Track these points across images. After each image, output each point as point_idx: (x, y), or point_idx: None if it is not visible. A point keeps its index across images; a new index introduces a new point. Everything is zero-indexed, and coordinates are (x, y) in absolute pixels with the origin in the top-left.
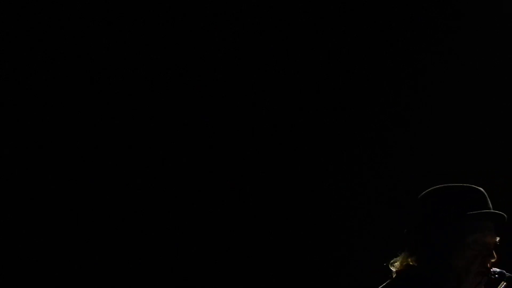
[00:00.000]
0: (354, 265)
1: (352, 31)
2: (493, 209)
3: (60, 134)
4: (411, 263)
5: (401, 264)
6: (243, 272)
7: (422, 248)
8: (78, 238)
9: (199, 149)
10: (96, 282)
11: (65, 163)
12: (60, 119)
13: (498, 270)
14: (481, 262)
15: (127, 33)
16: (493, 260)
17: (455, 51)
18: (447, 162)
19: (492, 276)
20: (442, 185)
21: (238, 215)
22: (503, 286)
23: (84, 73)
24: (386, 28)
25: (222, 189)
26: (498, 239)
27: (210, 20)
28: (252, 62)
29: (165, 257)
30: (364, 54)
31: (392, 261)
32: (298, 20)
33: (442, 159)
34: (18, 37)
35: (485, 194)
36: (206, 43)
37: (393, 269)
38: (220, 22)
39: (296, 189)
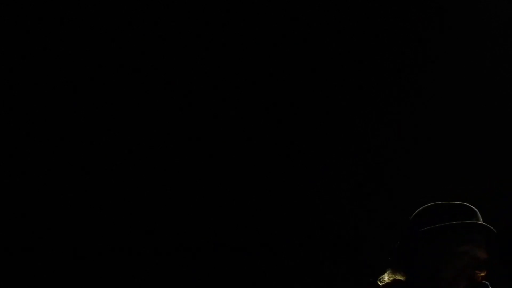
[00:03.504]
0: (354, 266)
1: (351, 31)
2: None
3: (60, 135)
4: (399, 277)
5: (388, 278)
6: (243, 272)
7: (411, 261)
8: (78, 238)
9: (198, 149)
10: (96, 282)
11: (64, 163)
12: (59, 119)
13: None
14: (470, 274)
15: (127, 33)
16: (482, 275)
17: (455, 53)
18: (447, 166)
19: None
20: (432, 203)
21: (237, 215)
22: None
23: (84, 74)
24: (385, 28)
25: (221, 189)
26: (487, 255)
27: (209, 20)
28: (252, 62)
29: (165, 257)
30: (365, 54)
31: (380, 277)
32: (296, 19)
33: (442, 162)
34: (18, 36)
35: (477, 210)
36: (205, 43)
37: (380, 284)
38: (219, 21)
39: (296, 190)
